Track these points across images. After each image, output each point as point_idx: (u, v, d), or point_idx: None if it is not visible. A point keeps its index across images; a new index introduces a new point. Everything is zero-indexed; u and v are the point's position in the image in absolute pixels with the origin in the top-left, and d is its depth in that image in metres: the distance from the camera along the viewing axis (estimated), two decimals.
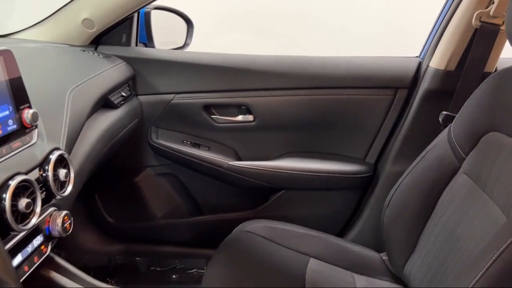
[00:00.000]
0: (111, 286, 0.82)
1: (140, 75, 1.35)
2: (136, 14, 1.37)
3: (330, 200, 1.41)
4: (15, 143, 0.68)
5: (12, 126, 0.68)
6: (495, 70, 1.22)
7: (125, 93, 1.26)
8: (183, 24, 1.54)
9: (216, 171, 1.37)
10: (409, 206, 1.05)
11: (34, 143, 0.73)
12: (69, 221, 0.75)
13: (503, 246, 0.71)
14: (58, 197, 0.73)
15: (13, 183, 0.61)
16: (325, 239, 1.21)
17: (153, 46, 1.46)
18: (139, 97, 1.36)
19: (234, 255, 1.09)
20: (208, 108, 1.37)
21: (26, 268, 0.68)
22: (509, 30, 0.84)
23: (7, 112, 0.68)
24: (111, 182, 1.46)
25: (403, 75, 1.29)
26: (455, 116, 1.03)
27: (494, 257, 0.72)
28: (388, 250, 1.14)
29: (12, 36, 1.24)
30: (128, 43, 1.39)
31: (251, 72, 1.32)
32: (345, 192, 1.40)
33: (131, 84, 1.34)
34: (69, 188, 0.76)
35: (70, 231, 0.75)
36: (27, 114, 0.71)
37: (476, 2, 1.12)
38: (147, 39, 1.46)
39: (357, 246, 1.22)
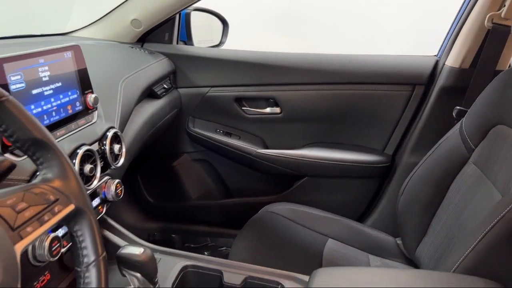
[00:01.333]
0: (154, 246, 0.96)
1: (180, 70, 1.50)
2: (178, 15, 1.52)
3: (350, 188, 1.51)
4: (81, 121, 0.84)
5: (78, 107, 0.84)
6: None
7: (167, 86, 1.42)
8: (219, 24, 1.68)
9: (245, 158, 1.50)
10: (421, 194, 1.14)
11: (95, 122, 0.89)
12: (121, 188, 0.90)
13: (493, 222, 0.79)
14: (112, 167, 0.89)
15: (80, 152, 0.76)
16: (344, 222, 1.31)
17: (192, 44, 1.61)
18: (179, 89, 1.52)
19: (258, 232, 1.22)
20: (239, 100, 1.50)
21: None
22: None
23: (75, 96, 0.84)
24: (152, 166, 1.63)
25: (420, 73, 1.37)
26: (467, 111, 1.11)
27: (484, 232, 0.80)
28: (402, 234, 1.23)
29: (71, 35, 1.42)
30: (170, 41, 1.54)
31: (279, 68, 1.44)
32: (364, 180, 1.50)
33: (172, 78, 1.49)
34: (121, 160, 0.91)
35: (121, 196, 0.90)
36: (90, 98, 0.87)
37: (489, 5, 1.19)
38: (187, 38, 1.61)
39: (374, 230, 1.32)
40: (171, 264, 0.90)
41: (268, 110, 1.50)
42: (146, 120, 1.20)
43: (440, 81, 1.33)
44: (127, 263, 0.72)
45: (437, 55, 1.41)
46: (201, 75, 1.50)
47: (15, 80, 0.68)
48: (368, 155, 1.47)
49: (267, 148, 1.51)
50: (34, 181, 0.50)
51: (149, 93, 1.29)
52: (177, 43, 1.57)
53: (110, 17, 1.43)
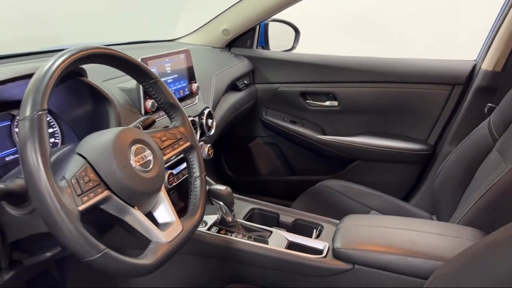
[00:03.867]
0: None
1: (258, 69, 1.87)
2: (258, 25, 1.89)
3: (396, 171, 1.76)
4: (188, 101, 1.24)
5: (186, 92, 1.24)
6: None
7: (247, 81, 1.80)
8: (292, 32, 2.02)
9: (307, 142, 1.82)
10: (453, 176, 1.36)
11: (196, 103, 1.28)
12: (211, 150, 1.28)
13: (490, 184, 1.02)
14: (206, 135, 1.27)
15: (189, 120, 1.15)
16: (387, 199, 1.56)
17: (268, 49, 1.97)
18: (256, 85, 1.89)
19: (312, 199, 1.53)
20: (304, 95, 1.83)
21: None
22: None
23: (184, 84, 1.23)
24: (232, 146, 2.02)
25: (459, 75, 1.59)
26: (496, 107, 1.32)
27: (482, 193, 1.04)
28: (437, 211, 1.46)
29: (177, 41, 1.86)
30: (251, 46, 1.92)
31: (338, 69, 1.75)
32: (409, 165, 1.74)
33: (251, 76, 1.87)
34: (212, 131, 1.29)
35: (212, 156, 1.28)
36: (194, 86, 1.26)
37: None
38: (265, 43, 1.98)
39: (413, 207, 1.55)
40: (243, 206, 1.26)
41: (327, 103, 1.81)
42: (230, 106, 1.58)
43: (476, 82, 1.54)
44: (215, 195, 1.09)
45: (476, 59, 1.62)
46: (274, 73, 1.86)
47: (153, 71, 1.09)
48: (412, 144, 1.71)
49: (325, 134, 1.82)
50: (169, 127, 0.89)
51: (233, 86, 1.68)
52: (257, 47, 1.94)
53: (205, 27, 1.84)
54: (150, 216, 0.76)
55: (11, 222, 0.71)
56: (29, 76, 0.81)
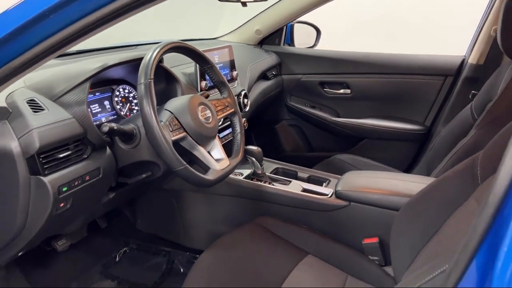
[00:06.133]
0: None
1: (284, 62, 2.25)
2: (285, 26, 2.27)
3: (398, 148, 2.10)
4: (229, 85, 1.63)
5: (228, 77, 1.64)
6: None
7: (274, 72, 2.18)
8: (314, 31, 2.38)
9: (324, 124, 2.19)
10: (442, 149, 1.70)
11: (236, 86, 1.67)
12: (246, 123, 1.66)
13: (459, 147, 1.37)
14: (243, 110, 1.66)
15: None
16: (390, 170, 1.91)
17: (293, 46, 2.35)
18: (282, 76, 2.27)
19: (325, 169, 1.89)
20: (322, 84, 2.20)
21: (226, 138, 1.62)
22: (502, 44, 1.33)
23: (227, 71, 1.63)
24: (261, 128, 2.40)
25: (450, 67, 1.92)
26: (477, 93, 1.65)
27: (452, 154, 1.39)
28: (430, 173, 1.79)
29: (219, 39, 2.26)
30: (279, 43, 2.30)
31: (350, 62, 2.10)
32: (409, 143, 2.08)
33: (278, 68, 2.25)
34: (247, 108, 1.69)
35: (246, 127, 1.67)
36: (234, 73, 1.66)
37: (493, 21, 1.71)
38: (290, 41, 2.35)
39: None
40: (270, 166, 1.64)
41: (341, 91, 2.17)
42: (260, 91, 1.97)
43: (464, 74, 1.87)
44: (249, 152, 1.48)
45: (465, 55, 1.94)
46: (298, 66, 2.23)
47: None
48: (412, 125, 2.05)
49: (339, 117, 2.18)
50: (220, 98, 1.29)
51: (263, 76, 2.07)
52: (283, 44, 2.32)
53: (241, 28, 2.24)
54: (209, 153, 1.16)
55: (121, 153, 1.13)
56: (129, 62, 1.23)
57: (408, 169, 2.10)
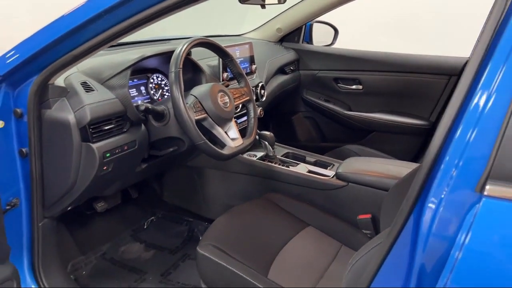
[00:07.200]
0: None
1: (302, 59, 2.44)
2: (304, 25, 2.46)
3: (404, 141, 2.26)
4: (249, 77, 1.84)
5: (248, 70, 1.85)
6: None
7: (292, 68, 2.38)
8: (332, 31, 2.56)
9: (337, 117, 2.37)
10: None
11: (254, 79, 1.88)
12: (262, 112, 1.87)
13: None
14: (260, 100, 1.87)
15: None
16: (397, 160, 2.07)
17: (311, 43, 2.53)
18: (300, 71, 2.46)
19: (336, 157, 2.08)
20: (336, 80, 2.38)
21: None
22: None
23: (247, 65, 1.84)
24: (279, 118, 2.60)
25: (455, 67, 2.05)
26: None
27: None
28: None
29: (242, 36, 2.47)
30: (298, 41, 2.49)
31: (363, 60, 2.27)
32: (415, 137, 2.23)
33: (296, 64, 2.44)
34: (264, 98, 1.89)
35: (262, 115, 1.87)
36: (253, 67, 1.87)
37: None
38: (309, 39, 2.54)
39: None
40: (282, 150, 1.85)
41: (354, 87, 2.34)
42: (277, 84, 2.17)
43: None
44: (262, 136, 1.69)
45: (469, 56, 2.07)
46: (314, 63, 2.41)
47: None
48: (418, 120, 2.20)
49: (351, 111, 2.36)
50: (237, 87, 1.50)
51: (281, 70, 2.27)
52: (302, 42, 2.51)
53: (264, 26, 2.44)
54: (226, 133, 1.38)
55: (153, 129, 1.36)
56: (163, 54, 1.46)
57: (413, 161, 2.25)
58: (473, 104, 0.70)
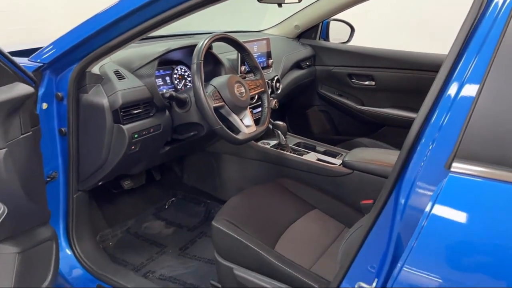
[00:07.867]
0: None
1: (318, 55, 2.55)
2: (321, 23, 2.57)
3: None
4: (265, 71, 1.98)
5: (264, 64, 1.98)
6: None
7: (308, 63, 2.50)
8: (348, 29, 2.66)
9: (350, 111, 2.48)
10: None
11: (270, 72, 2.02)
12: (277, 103, 1.99)
13: None
14: (275, 92, 2.00)
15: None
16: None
17: (328, 40, 2.64)
18: (316, 66, 2.57)
19: (347, 149, 2.20)
20: (350, 75, 2.48)
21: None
22: None
23: (264, 59, 1.98)
24: (293, 111, 2.72)
25: None
26: None
27: None
28: None
29: (262, 32, 2.60)
30: (315, 38, 2.60)
31: (376, 57, 2.37)
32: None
33: (313, 59, 2.56)
34: (279, 90, 2.02)
35: (277, 107, 2.00)
36: (270, 61, 2.00)
37: None
38: (326, 36, 2.65)
39: None
40: (294, 140, 1.98)
41: (367, 82, 2.44)
42: (293, 78, 2.30)
43: None
44: (275, 125, 1.83)
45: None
46: (330, 59, 2.53)
47: None
48: None
49: (364, 105, 2.46)
50: (253, 79, 1.63)
51: (297, 65, 2.39)
52: (319, 39, 2.62)
53: (282, 23, 2.57)
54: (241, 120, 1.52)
55: (176, 115, 1.51)
56: (186, 47, 1.61)
57: None
58: (447, 93, 0.82)
